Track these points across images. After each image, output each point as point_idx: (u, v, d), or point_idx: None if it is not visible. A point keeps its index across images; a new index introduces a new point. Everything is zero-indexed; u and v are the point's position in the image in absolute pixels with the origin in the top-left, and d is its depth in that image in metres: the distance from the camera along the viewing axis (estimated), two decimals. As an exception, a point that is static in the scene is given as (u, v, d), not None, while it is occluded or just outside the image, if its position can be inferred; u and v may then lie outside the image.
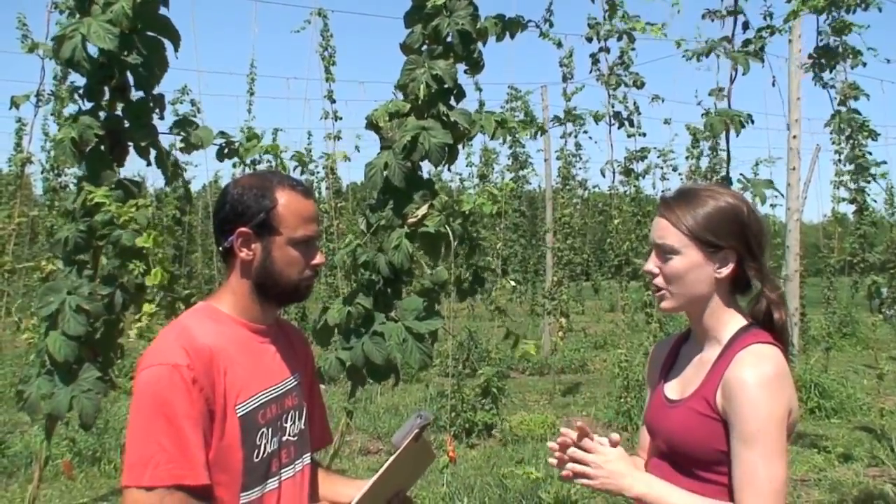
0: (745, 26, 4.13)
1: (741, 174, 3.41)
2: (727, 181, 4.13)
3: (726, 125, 3.67)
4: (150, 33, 2.94)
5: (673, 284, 1.63)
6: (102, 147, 3.00)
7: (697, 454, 1.58)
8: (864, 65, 5.90)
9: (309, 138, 13.08)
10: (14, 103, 3.95)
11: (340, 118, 8.98)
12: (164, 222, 12.21)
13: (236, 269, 1.66)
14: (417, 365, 2.72)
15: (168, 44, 2.99)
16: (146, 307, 2.94)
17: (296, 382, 1.76)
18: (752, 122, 3.66)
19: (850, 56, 6.00)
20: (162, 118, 3.11)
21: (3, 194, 11.33)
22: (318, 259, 1.70)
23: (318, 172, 11.91)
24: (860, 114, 5.61)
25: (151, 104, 3.03)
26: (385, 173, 2.89)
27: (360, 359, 2.79)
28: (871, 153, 5.85)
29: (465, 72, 3.11)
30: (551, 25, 4.68)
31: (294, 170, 3.34)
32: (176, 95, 10.66)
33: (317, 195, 13.68)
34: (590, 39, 6.99)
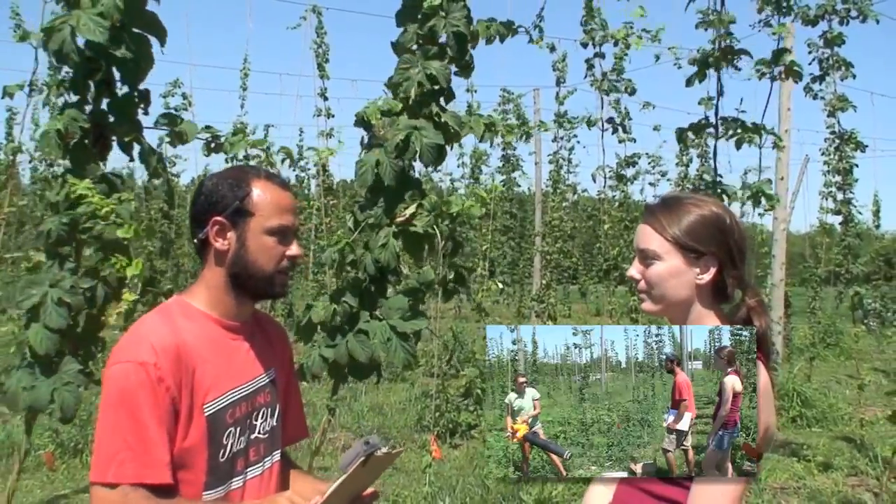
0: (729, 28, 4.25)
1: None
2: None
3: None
4: (135, 29, 2.93)
5: (655, 289, 1.64)
6: (86, 141, 2.99)
7: None
8: (854, 77, 5.97)
9: (300, 135, 13.06)
10: (7, 93, 3.93)
11: (333, 115, 8.99)
12: (152, 215, 12.16)
13: (211, 261, 1.63)
14: (401, 364, 2.73)
15: (153, 40, 2.98)
16: (126, 295, 2.94)
17: (269, 379, 1.72)
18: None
19: (843, 67, 6.07)
20: (147, 113, 3.10)
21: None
22: (295, 251, 1.65)
23: (308, 169, 11.88)
24: (840, 125, 5.68)
25: (137, 99, 3.04)
26: (376, 171, 2.89)
27: (345, 356, 2.79)
28: (857, 165, 5.90)
29: (456, 73, 3.12)
30: (541, 31, 4.74)
31: (282, 162, 3.32)
32: (168, 88, 10.64)
33: (307, 192, 13.63)
34: (585, 45, 7.03)
